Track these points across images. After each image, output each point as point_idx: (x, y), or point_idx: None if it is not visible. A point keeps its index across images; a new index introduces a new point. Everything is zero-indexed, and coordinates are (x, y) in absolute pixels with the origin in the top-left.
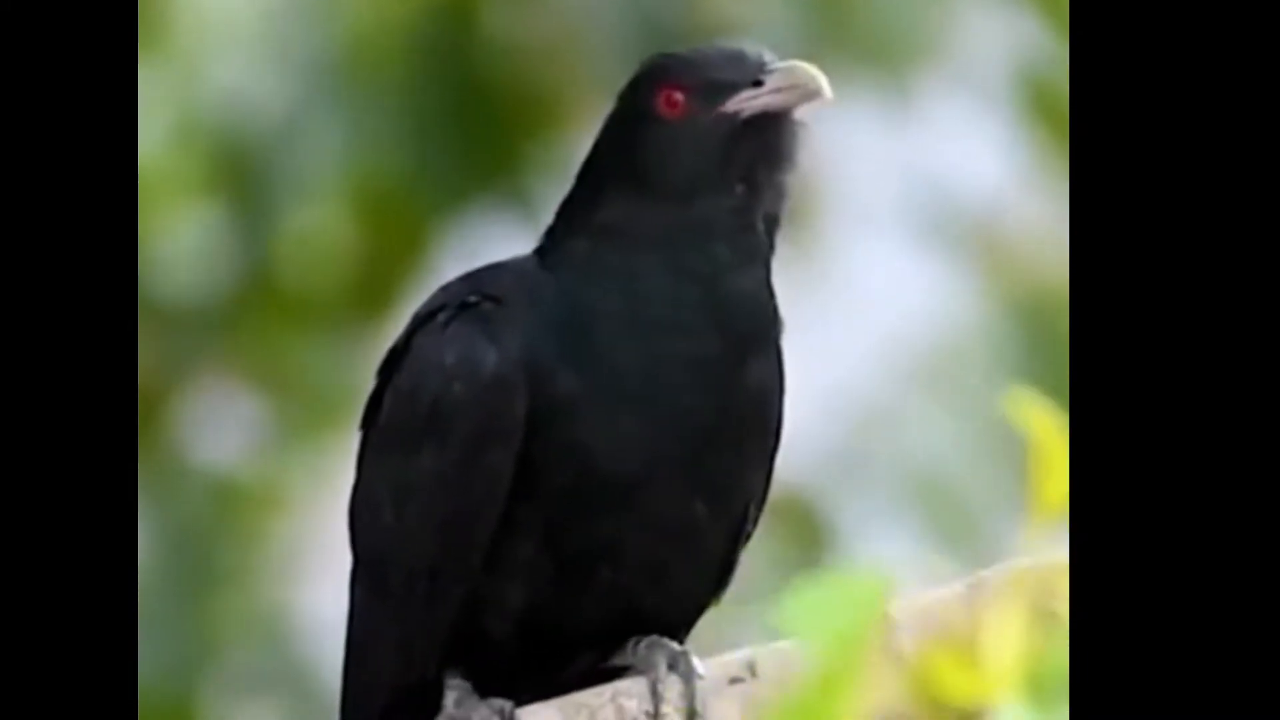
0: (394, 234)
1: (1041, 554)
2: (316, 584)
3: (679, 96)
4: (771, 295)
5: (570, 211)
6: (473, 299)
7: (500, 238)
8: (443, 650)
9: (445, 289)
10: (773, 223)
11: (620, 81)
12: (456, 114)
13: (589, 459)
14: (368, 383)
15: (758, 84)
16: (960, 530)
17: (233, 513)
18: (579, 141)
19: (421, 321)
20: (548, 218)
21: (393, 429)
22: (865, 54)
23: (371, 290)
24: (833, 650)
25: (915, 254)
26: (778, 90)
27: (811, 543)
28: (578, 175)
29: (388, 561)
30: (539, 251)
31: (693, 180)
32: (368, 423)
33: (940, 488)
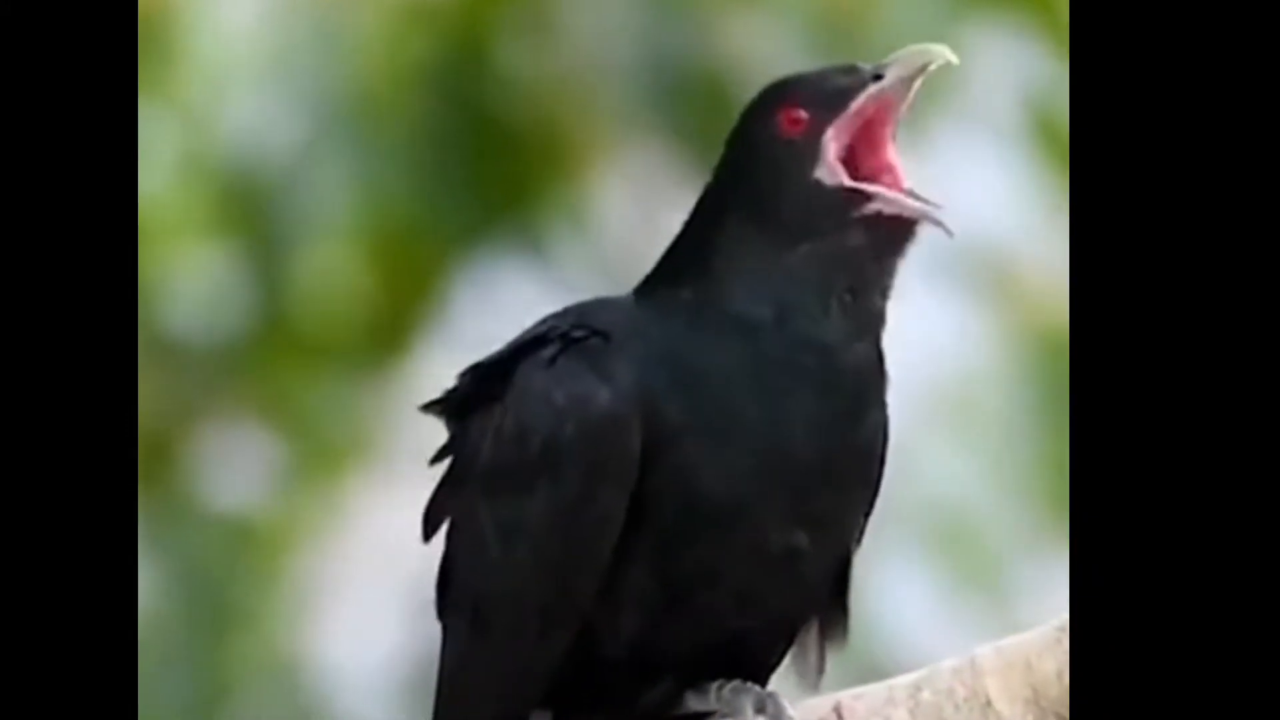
0: (406, 274)
1: None
2: (330, 626)
3: (802, 114)
4: (881, 357)
5: (683, 250)
6: (579, 334)
7: (512, 277)
8: (547, 686)
9: (545, 321)
10: (887, 290)
11: (634, 119)
12: (469, 153)
13: (696, 496)
14: (380, 422)
15: (878, 78)
16: (980, 570)
17: (245, 554)
18: (591, 181)
19: (523, 352)
20: (560, 258)
21: (500, 468)
22: None
23: (383, 330)
24: None
25: (929, 293)
26: (899, 79)
27: None
28: (694, 211)
29: (494, 601)
30: (645, 288)
31: (815, 206)
32: (448, 412)
33: (958, 528)
